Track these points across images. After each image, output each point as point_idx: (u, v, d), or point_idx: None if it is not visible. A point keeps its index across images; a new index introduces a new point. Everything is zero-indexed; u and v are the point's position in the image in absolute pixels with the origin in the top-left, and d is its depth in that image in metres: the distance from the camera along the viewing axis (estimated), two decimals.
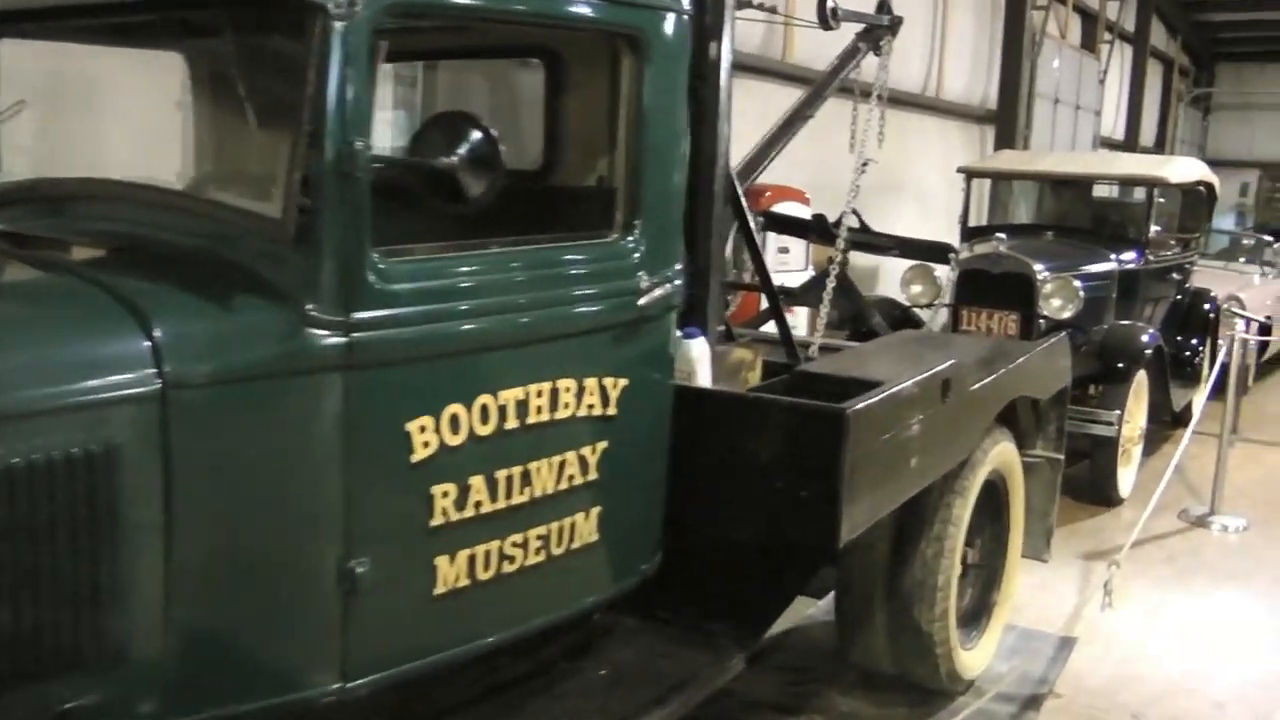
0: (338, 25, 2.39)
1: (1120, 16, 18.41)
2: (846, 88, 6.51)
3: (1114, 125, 18.87)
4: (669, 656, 3.39)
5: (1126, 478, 7.61)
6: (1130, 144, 18.87)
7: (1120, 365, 7.24)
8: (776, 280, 7.56)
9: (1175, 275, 9.40)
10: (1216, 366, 7.69)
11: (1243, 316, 9.89)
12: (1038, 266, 7.55)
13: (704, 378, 3.75)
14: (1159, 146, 21.81)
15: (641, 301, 3.01)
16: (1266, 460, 9.16)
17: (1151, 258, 8.66)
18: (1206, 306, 9.92)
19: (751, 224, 4.72)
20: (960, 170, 9.10)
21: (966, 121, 13.25)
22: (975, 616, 4.84)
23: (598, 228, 3.07)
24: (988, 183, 10.55)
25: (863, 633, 4.34)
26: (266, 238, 2.49)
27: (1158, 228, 8.74)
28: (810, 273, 8.01)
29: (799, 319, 8.44)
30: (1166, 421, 9.12)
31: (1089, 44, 16.74)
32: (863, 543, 4.09)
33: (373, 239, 2.52)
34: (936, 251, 6.33)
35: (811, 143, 10.01)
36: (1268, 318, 11.67)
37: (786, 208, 7.79)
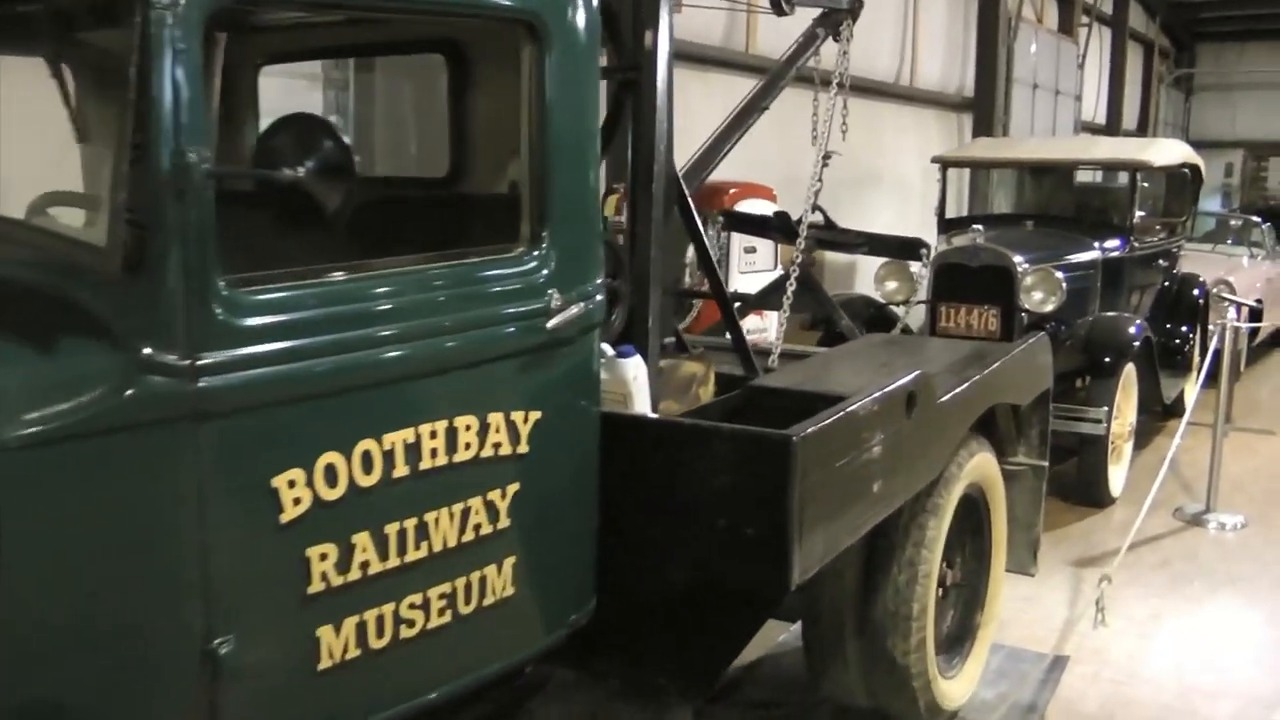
0: (163, 14, 2.02)
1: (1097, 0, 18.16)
2: (808, 76, 6.14)
3: (1095, 110, 18.54)
4: (608, 714, 3.04)
5: (1117, 476, 7.26)
6: (1112, 128, 18.55)
7: (1106, 359, 6.89)
8: (744, 282, 7.24)
9: (1162, 261, 9.06)
10: (1208, 355, 7.34)
11: (1232, 301, 9.58)
12: (1018, 258, 7.20)
13: (641, 401, 3.39)
14: (1141, 130, 21.49)
15: (551, 323, 2.65)
16: (1262, 450, 8.82)
17: (1136, 244, 8.32)
18: (1195, 292, 9.59)
19: (699, 225, 4.37)
20: (935, 160, 8.75)
21: (943, 110, 12.90)
22: (957, 641, 4.49)
23: (505, 240, 2.71)
24: (966, 173, 10.25)
25: (834, 665, 3.98)
26: (94, 269, 2.13)
27: (1142, 213, 8.39)
28: (779, 273, 7.64)
29: (772, 322, 8.09)
30: (1158, 413, 8.79)
31: (1066, 28, 16.40)
32: (830, 569, 3.75)
33: (222, 266, 2.15)
34: (907, 247, 5.97)
35: (779, 137, 9.68)
36: (1258, 301, 11.38)
37: (752, 205, 7.44)
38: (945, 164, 8.72)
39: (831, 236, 6.01)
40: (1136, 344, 7.05)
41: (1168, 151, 8.74)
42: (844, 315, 5.80)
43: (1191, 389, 9.84)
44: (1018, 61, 14.08)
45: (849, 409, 3.11)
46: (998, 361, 4.29)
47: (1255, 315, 11.53)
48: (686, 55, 8.82)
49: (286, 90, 5.67)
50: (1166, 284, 9.47)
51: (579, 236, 2.77)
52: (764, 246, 7.67)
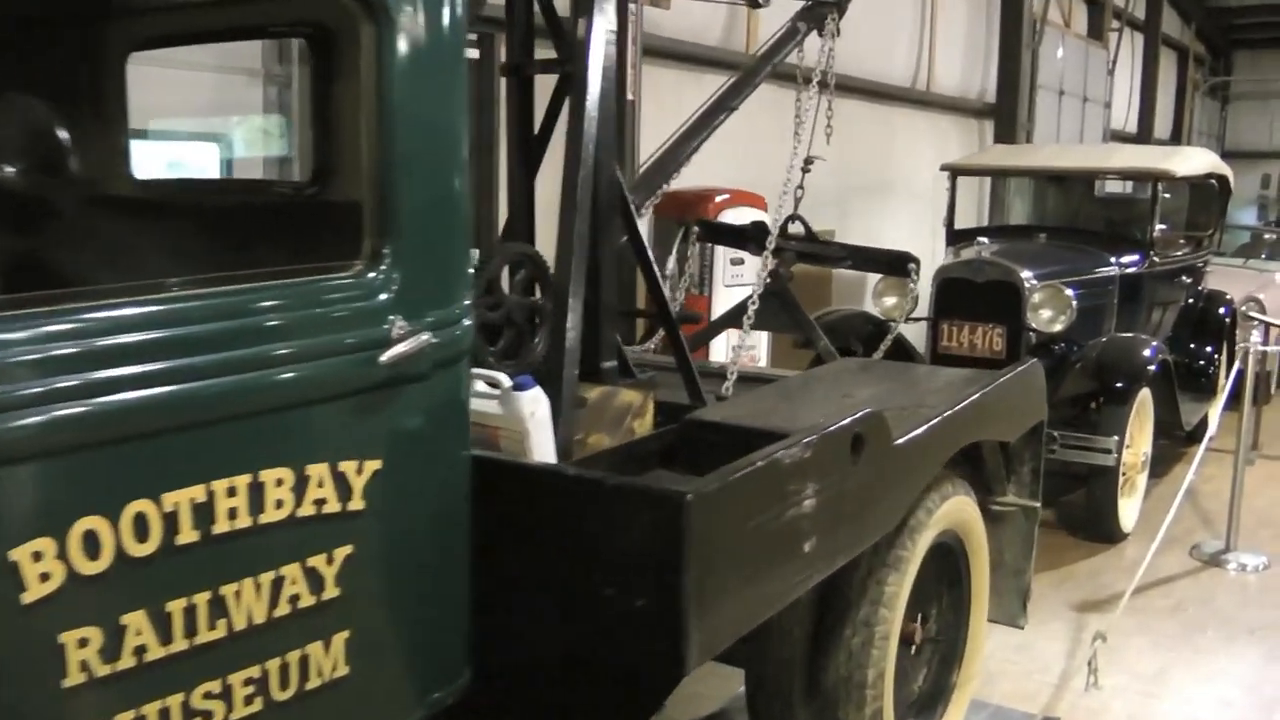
0: None
1: (1129, 4, 17.52)
2: (793, 75, 5.68)
3: (1126, 118, 17.93)
4: None
5: (1130, 510, 6.74)
6: (1144, 137, 17.95)
7: (1118, 384, 6.38)
8: (731, 296, 6.77)
9: (1185, 278, 8.53)
10: (1231, 377, 6.81)
11: (1261, 320, 9.03)
12: (1025, 273, 6.71)
13: (541, 440, 2.94)
14: (1175, 138, 20.84)
15: (385, 356, 2.20)
16: None
17: (1157, 259, 7.79)
18: (1221, 310, 9.05)
19: (642, 237, 3.93)
20: (944, 168, 8.26)
21: (963, 116, 12.39)
22: (930, 703, 4.02)
23: (346, 256, 2.26)
24: (982, 182, 9.75)
25: None
26: None
27: (1163, 226, 7.87)
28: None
29: (761, 341, 7.62)
30: (1180, 439, 8.26)
31: (1096, 32, 15.83)
32: (776, 627, 3.29)
33: None
34: (895, 262, 5.48)
35: (779, 140, 9.20)
36: None
37: (741, 214, 6.96)
38: (955, 172, 8.22)
39: (812, 249, 5.53)
40: (1152, 367, 6.53)
41: (1193, 161, 8.21)
42: (822, 336, 5.32)
43: (1215, 413, 9.30)
44: (1043, 66, 13.54)
45: (770, 458, 2.64)
46: (979, 393, 3.81)
47: None
48: (681, 55, 8.38)
49: (224, 86, 5.27)
50: (1191, 301, 8.94)
51: (435, 254, 2.32)
52: (752, 258, 7.18)
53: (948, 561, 3.95)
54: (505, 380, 2.97)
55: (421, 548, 2.38)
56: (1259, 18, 21.58)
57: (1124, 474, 6.62)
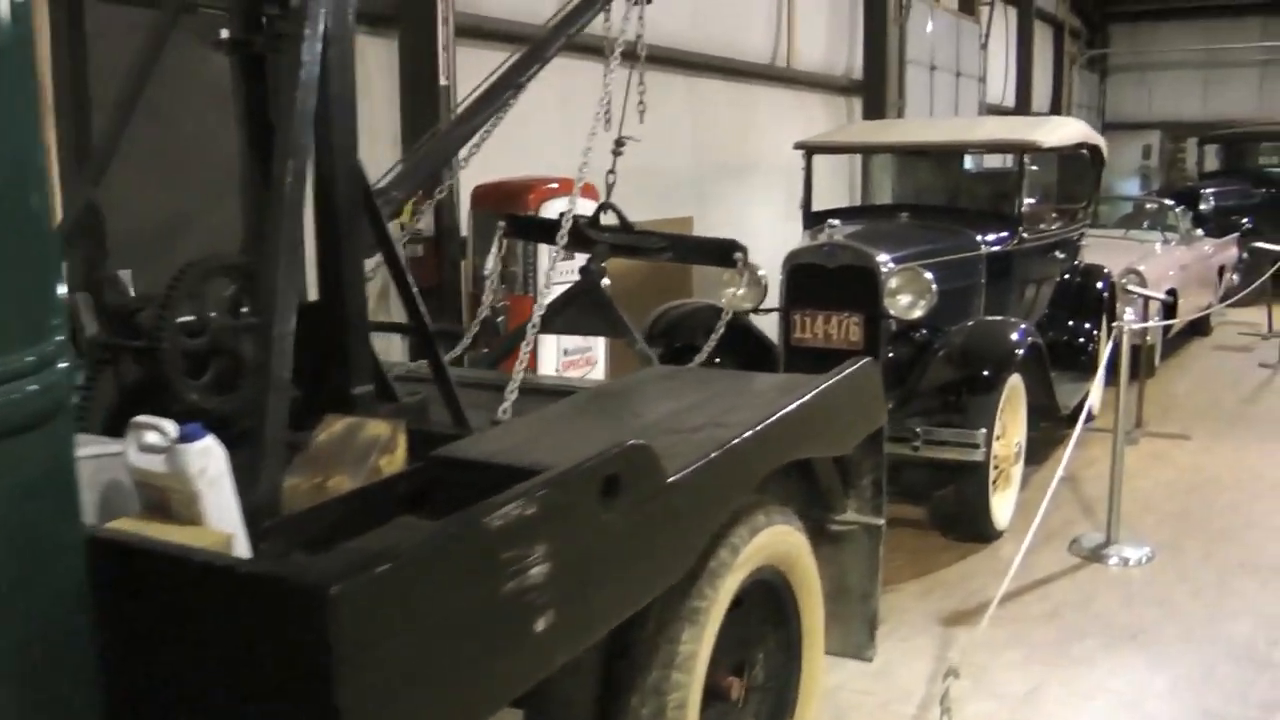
0: None
1: None
2: (628, 52, 5.09)
3: (1003, 92, 17.68)
4: None
5: (1004, 505, 6.27)
6: (1021, 110, 17.70)
7: (985, 373, 5.88)
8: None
9: (1059, 253, 8.11)
10: (1104, 356, 6.37)
11: (1138, 294, 8.66)
12: (882, 256, 6.19)
13: (218, 505, 2.31)
14: (1054, 111, 20.68)
15: None
16: (1176, 459, 7.88)
17: (1027, 235, 7.34)
18: (1099, 285, 8.66)
19: (390, 236, 3.31)
20: (798, 146, 7.74)
21: (830, 93, 11.93)
22: None
23: None
24: (853, 162, 9.26)
25: None
26: None
27: (1031, 200, 7.42)
28: (604, 284, 6.57)
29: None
30: (1062, 420, 7.84)
31: (967, 7, 15.51)
32: (557, 694, 2.70)
33: None
34: (719, 251, 4.92)
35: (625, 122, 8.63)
36: (1171, 290, 10.49)
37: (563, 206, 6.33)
38: (809, 150, 7.71)
39: (626, 241, 4.94)
40: (1020, 351, 6.05)
41: (1061, 131, 7.79)
42: (638, 338, 4.74)
43: (1096, 393, 8.93)
44: (912, 41, 13.14)
45: (469, 522, 2.04)
46: (795, 405, 3.24)
47: (1169, 309, 10.67)
48: (510, 36, 7.74)
49: None
50: (1067, 276, 8.54)
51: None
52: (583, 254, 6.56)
53: (771, 599, 3.39)
54: (171, 429, 2.33)
55: (26, 654, 1.73)
56: None
57: (997, 467, 6.15)
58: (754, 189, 9.98)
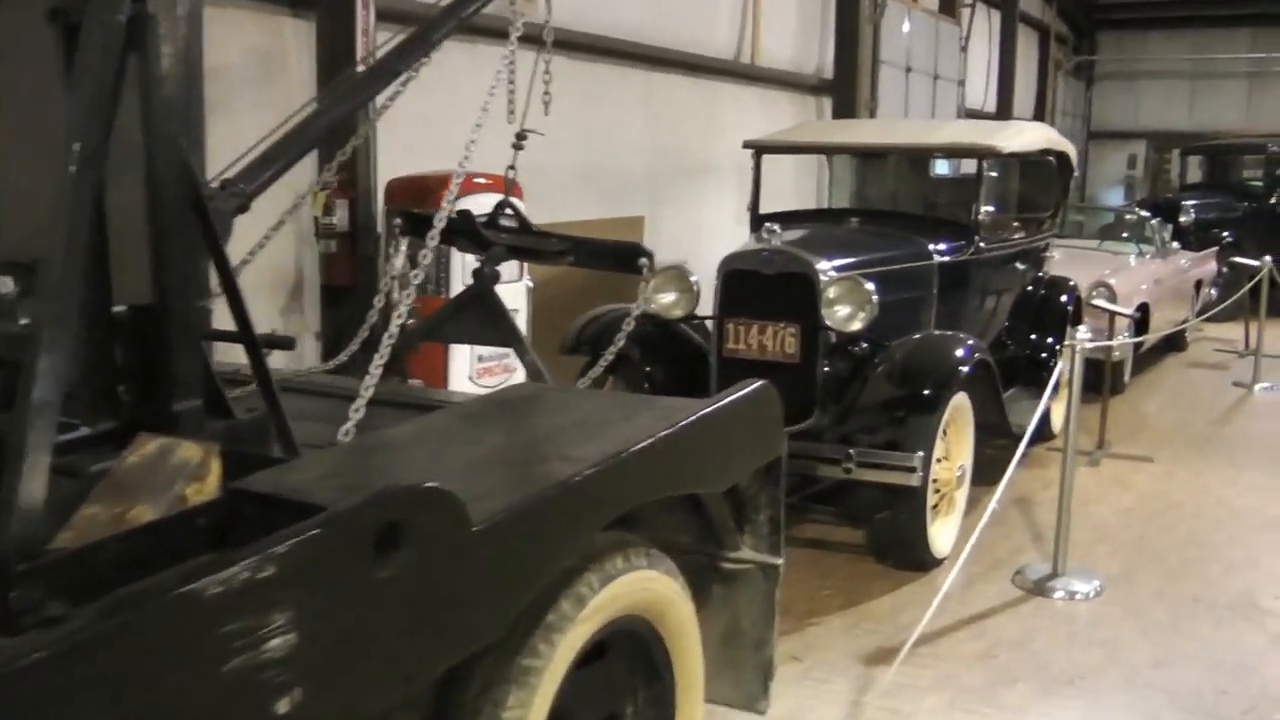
0: None
1: None
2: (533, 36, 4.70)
3: (984, 97, 17.31)
4: None
5: (945, 532, 5.88)
6: (1003, 116, 17.30)
7: (926, 391, 5.49)
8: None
9: (1020, 264, 7.73)
10: (1059, 373, 5.99)
11: (1103, 309, 8.29)
12: (822, 263, 5.81)
13: None
14: (1038, 118, 20.30)
15: None
16: (1137, 483, 7.51)
17: (984, 245, 6.95)
18: (1064, 298, 8.28)
19: (217, 235, 2.91)
20: (747, 145, 7.35)
21: (799, 92, 11.53)
22: None
23: None
24: (821, 164, 8.86)
25: None
26: None
27: (990, 208, 7.04)
28: (527, 285, 6.19)
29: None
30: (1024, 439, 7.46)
31: (948, 8, 15.13)
32: None
33: None
34: (624, 256, 4.51)
35: (571, 120, 8.26)
36: (1141, 305, 10.14)
37: (484, 200, 5.92)
38: (758, 150, 7.32)
39: (524, 243, 4.52)
40: (965, 369, 5.67)
41: (1023, 136, 7.40)
42: (528, 349, 4.32)
43: (1058, 410, 8.56)
44: (887, 41, 12.76)
45: (182, 585, 1.65)
46: (663, 433, 2.85)
47: (1140, 324, 10.31)
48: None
49: None
50: (1030, 289, 8.16)
51: None
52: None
53: (639, 651, 2.99)
54: None
55: None
56: None
57: (938, 491, 5.77)
58: (712, 190, 9.59)
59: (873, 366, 5.64)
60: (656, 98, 9.23)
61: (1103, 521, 6.66)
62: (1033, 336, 8.07)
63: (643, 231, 9.22)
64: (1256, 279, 11.33)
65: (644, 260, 4.31)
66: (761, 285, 5.88)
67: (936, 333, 5.94)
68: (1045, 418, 8.16)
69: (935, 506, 5.80)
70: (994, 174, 7.12)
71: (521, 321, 6.08)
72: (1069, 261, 10.71)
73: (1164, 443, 8.54)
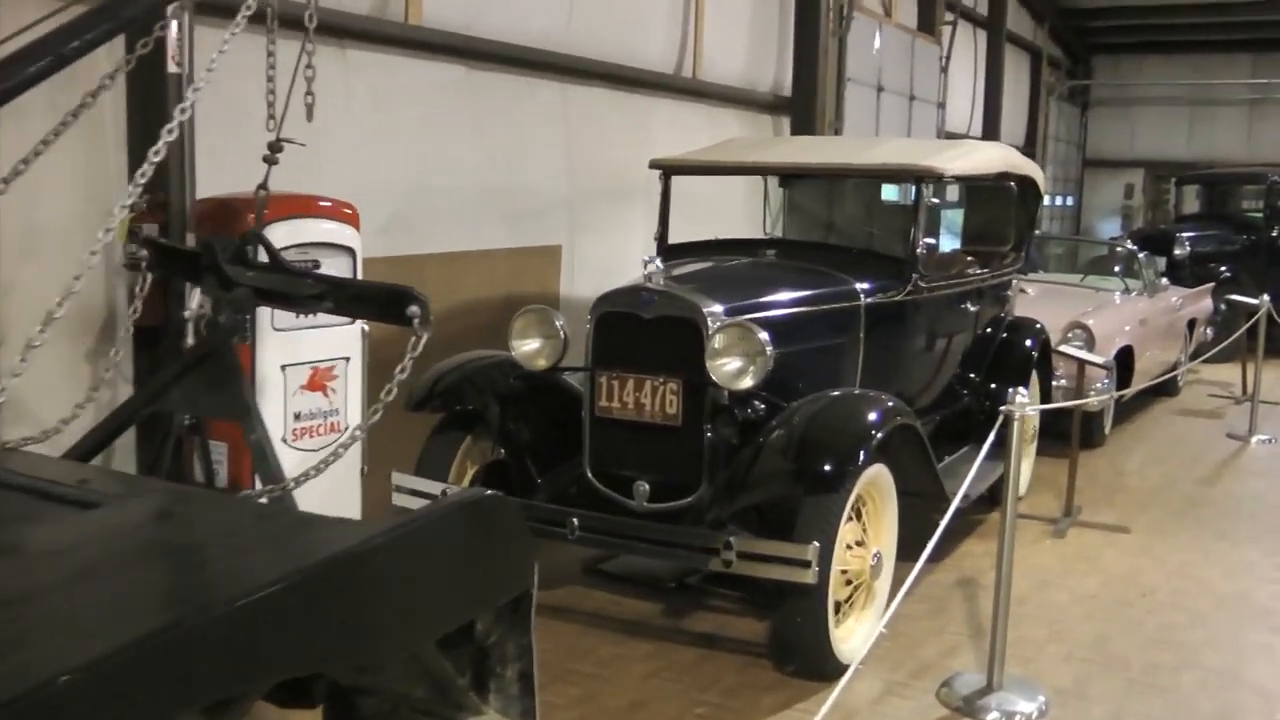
0: None
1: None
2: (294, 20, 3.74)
3: (969, 121, 16.30)
4: None
5: (857, 633, 4.83)
6: (989, 139, 16.30)
7: (825, 467, 4.43)
8: (289, 345, 4.76)
9: (971, 304, 6.69)
10: (989, 437, 4.95)
11: (1070, 356, 7.25)
12: (711, 306, 4.80)
13: None
14: (1029, 144, 19.31)
15: None
16: (1107, 561, 6.44)
17: (924, 283, 5.92)
18: (1028, 343, 7.24)
19: None
20: (653, 165, 6.35)
21: (752, 110, 10.52)
22: None
23: None
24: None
25: None
26: None
27: (931, 240, 6.01)
28: (362, 327, 5.15)
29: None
30: (984, 501, 6.43)
31: (926, 25, 14.15)
32: None
33: None
34: (389, 302, 3.47)
35: (474, 131, 7.28)
36: (1123, 350, 9.10)
37: (303, 229, 4.90)
38: (666, 170, 6.32)
39: (273, 285, 3.50)
40: (879, 435, 4.61)
41: (972, 157, 6.38)
42: (256, 425, 3.32)
43: (1023, 470, 7.52)
44: (855, 58, 11.75)
45: None
46: (268, 589, 1.81)
47: (1123, 370, 9.26)
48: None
49: None
50: (989, 332, 7.13)
51: None
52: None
53: None
54: None
55: None
56: (1115, 20, 20.23)
57: (850, 582, 4.72)
58: (641, 216, 8.55)
59: (765, 433, 4.60)
60: (575, 113, 8.23)
61: (1059, 612, 5.60)
62: (992, 386, 7.03)
63: (559, 262, 8.21)
64: (1255, 319, 10.28)
65: (415, 309, 3.28)
66: (639, 331, 4.88)
67: (840, 393, 4.88)
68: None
69: (848, 600, 4.76)
70: (935, 200, 6.10)
71: (355, 373, 5.05)
72: (1044, 299, 9.70)
73: (1143, 508, 7.48)
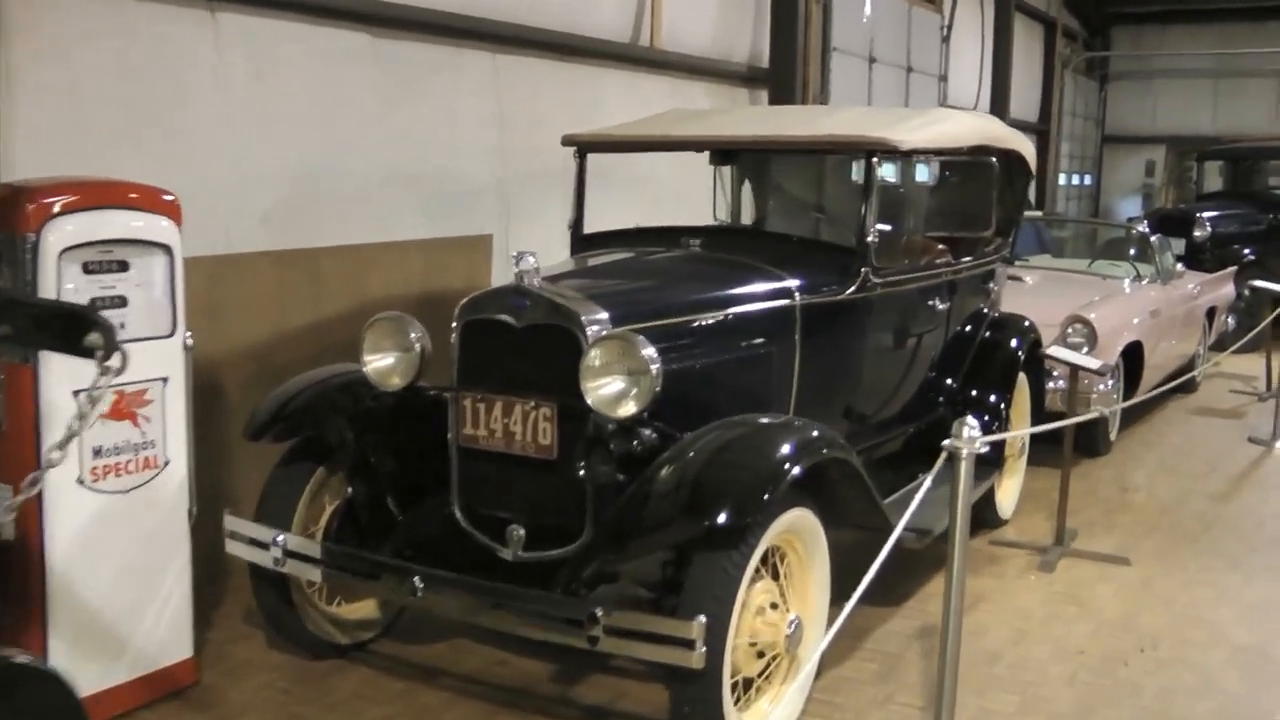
0: None
1: None
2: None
3: (977, 96, 15.26)
4: None
5: (774, 716, 3.90)
6: (997, 116, 15.24)
7: (720, 519, 3.47)
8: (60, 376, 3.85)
9: (941, 301, 5.74)
10: (931, 473, 3.98)
11: (1062, 361, 6.30)
12: (596, 313, 3.88)
13: None
14: (1043, 120, 18.23)
15: None
16: (1101, 602, 5.50)
17: (878, 278, 4.99)
18: (1014, 343, 6.30)
19: None
20: (566, 141, 5.43)
21: (724, 83, 9.56)
22: None
23: None
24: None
25: None
26: None
27: (885, 226, 5.07)
28: (185, 341, 4.21)
29: None
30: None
31: None
32: None
33: None
34: (64, 328, 2.56)
35: (386, 109, 6.35)
36: (1132, 345, 8.13)
37: (105, 222, 3.96)
38: (582, 147, 5.40)
39: None
40: (794, 472, 3.65)
41: (939, 127, 5.42)
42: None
43: (1010, 488, 6.59)
44: (842, 27, 10.78)
45: None
46: None
47: (1131, 367, 8.30)
48: None
49: None
50: (968, 330, 6.19)
51: None
52: (145, 303, 4.11)
53: None
54: None
55: None
56: None
57: (762, 654, 3.80)
58: (600, 202, 7.62)
59: (652, 473, 3.67)
60: (509, 87, 7.30)
61: (1038, 673, 4.67)
62: (973, 394, 6.11)
63: (490, 253, 7.30)
64: None
65: (94, 337, 2.37)
66: (510, 343, 3.97)
67: (745, 420, 3.90)
68: (990, 500, 6.24)
69: (763, 674, 3.85)
70: (890, 179, 5.16)
71: (176, 396, 4.15)
72: (1043, 289, 8.76)
73: (1149, 531, 6.53)
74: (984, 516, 6.30)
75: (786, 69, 9.77)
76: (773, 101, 9.83)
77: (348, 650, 4.63)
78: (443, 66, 6.85)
